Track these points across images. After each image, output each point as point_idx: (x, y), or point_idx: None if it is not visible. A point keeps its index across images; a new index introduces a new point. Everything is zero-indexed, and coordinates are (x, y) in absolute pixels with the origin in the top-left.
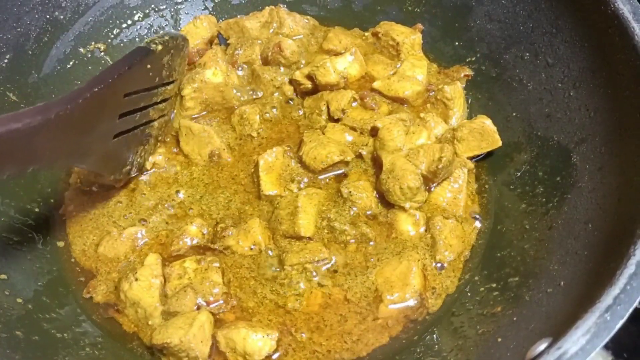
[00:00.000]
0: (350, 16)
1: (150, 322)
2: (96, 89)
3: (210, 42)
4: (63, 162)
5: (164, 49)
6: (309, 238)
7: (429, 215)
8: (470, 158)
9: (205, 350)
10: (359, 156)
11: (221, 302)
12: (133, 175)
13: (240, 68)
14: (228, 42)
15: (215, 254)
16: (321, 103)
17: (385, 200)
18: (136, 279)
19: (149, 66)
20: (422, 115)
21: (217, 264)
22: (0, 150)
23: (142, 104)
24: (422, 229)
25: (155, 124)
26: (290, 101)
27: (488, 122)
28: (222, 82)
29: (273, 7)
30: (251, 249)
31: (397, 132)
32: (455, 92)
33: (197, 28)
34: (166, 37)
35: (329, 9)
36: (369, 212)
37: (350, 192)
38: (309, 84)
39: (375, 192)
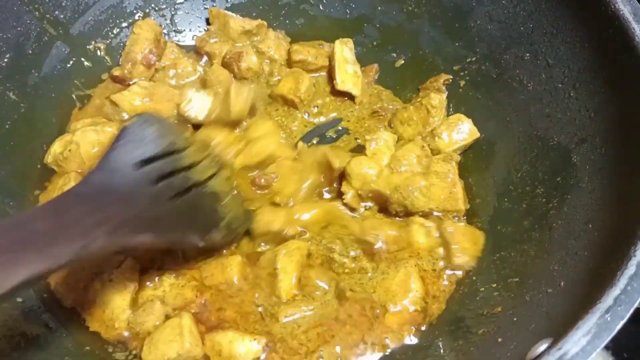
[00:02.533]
0: (351, 16)
1: (116, 325)
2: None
3: (157, 40)
4: (131, 238)
5: (136, 122)
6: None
7: (438, 219)
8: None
9: (200, 351)
10: (352, 210)
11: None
12: (229, 243)
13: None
14: (208, 27)
15: (193, 272)
16: None
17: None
18: (110, 280)
19: (135, 135)
20: (367, 137)
21: (195, 283)
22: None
23: (169, 170)
24: (437, 234)
25: (214, 183)
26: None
27: (463, 117)
28: None
29: (265, 23)
30: (226, 283)
31: (362, 162)
32: (441, 102)
33: (141, 32)
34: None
35: (328, 9)
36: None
37: (376, 235)
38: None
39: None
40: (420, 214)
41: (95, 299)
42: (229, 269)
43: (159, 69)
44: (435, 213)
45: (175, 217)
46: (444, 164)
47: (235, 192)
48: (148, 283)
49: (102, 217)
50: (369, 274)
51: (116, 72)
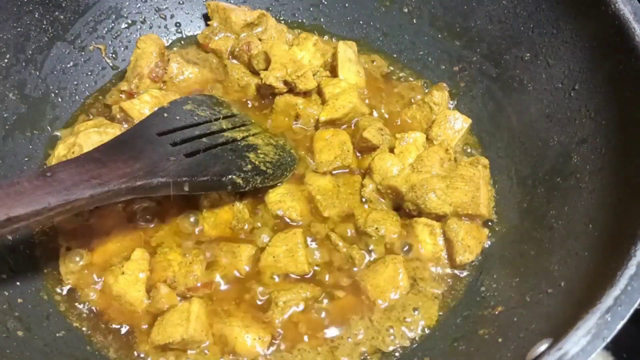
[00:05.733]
0: (351, 17)
1: (137, 315)
2: (123, 135)
3: (162, 54)
4: (137, 181)
5: (172, 103)
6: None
7: (448, 219)
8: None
9: (208, 338)
10: (365, 201)
11: (198, 284)
12: (248, 189)
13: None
14: (208, 23)
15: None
16: (291, 109)
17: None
18: (122, 273)
19: (165, 115)
20: (398, 135)
21: (203, 257)
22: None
23: (196, 133)
24: (440, 237)
25: (248, 142)
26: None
27: (447, 111)
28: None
29: (265, 12)
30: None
31: (386, 159)
32: (442, 99)
33: (145, 47)
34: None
35: (329, 9)
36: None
37: (376, 228)
38: (284, 89)
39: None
40: (433, 216)
41: (111, 293)
42: (239, 258)
43: (166, 81)
44: (452, 217)
45: (196, 166)
46: (470, 167)
47: (273, 143)
48: (157, 266)
49: (91, 175)
50: (355, 269)
51: (123, 87)
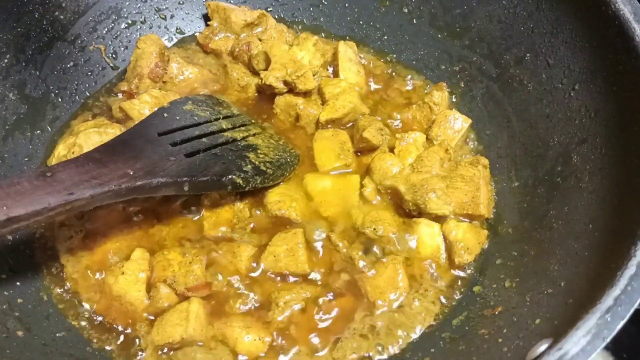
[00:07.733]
0: (351, 17)
1: (137, 315)
2: (123, 135)
3: (162, 54)
4: (137, 181)
5: (172, 103)
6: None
7: (448, 219)
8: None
9: (205, 337)
10: (365, 201)
11: (198, 284)
12: (249, 189)
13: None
14: (208, 23)
15: (203, 246)
16: (291, 110)
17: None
18: (122, 273)
19: (165, 115)
20: (398, 135)
21: (203, 257)
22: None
23: (196, 133)
24: (440, 237)
25: (248, 142)
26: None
27: (447, 111)
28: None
29: (264, 12)
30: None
31: (386, 158)
32: (442, 100)
33: (145, 47)
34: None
35: (329, 9)
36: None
37: (374, 229)
38: (284, 89)
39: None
40: (433, 216)
41: (111, 293)
42: (239, 257)
43: (166, 81)
44: (451, 217)
45: (197, 166)
46: (471, 167)
47: (274, 143)
48: (157, 266)
49: (91, 175)
50: (354, 270)
51: (123, 87)
